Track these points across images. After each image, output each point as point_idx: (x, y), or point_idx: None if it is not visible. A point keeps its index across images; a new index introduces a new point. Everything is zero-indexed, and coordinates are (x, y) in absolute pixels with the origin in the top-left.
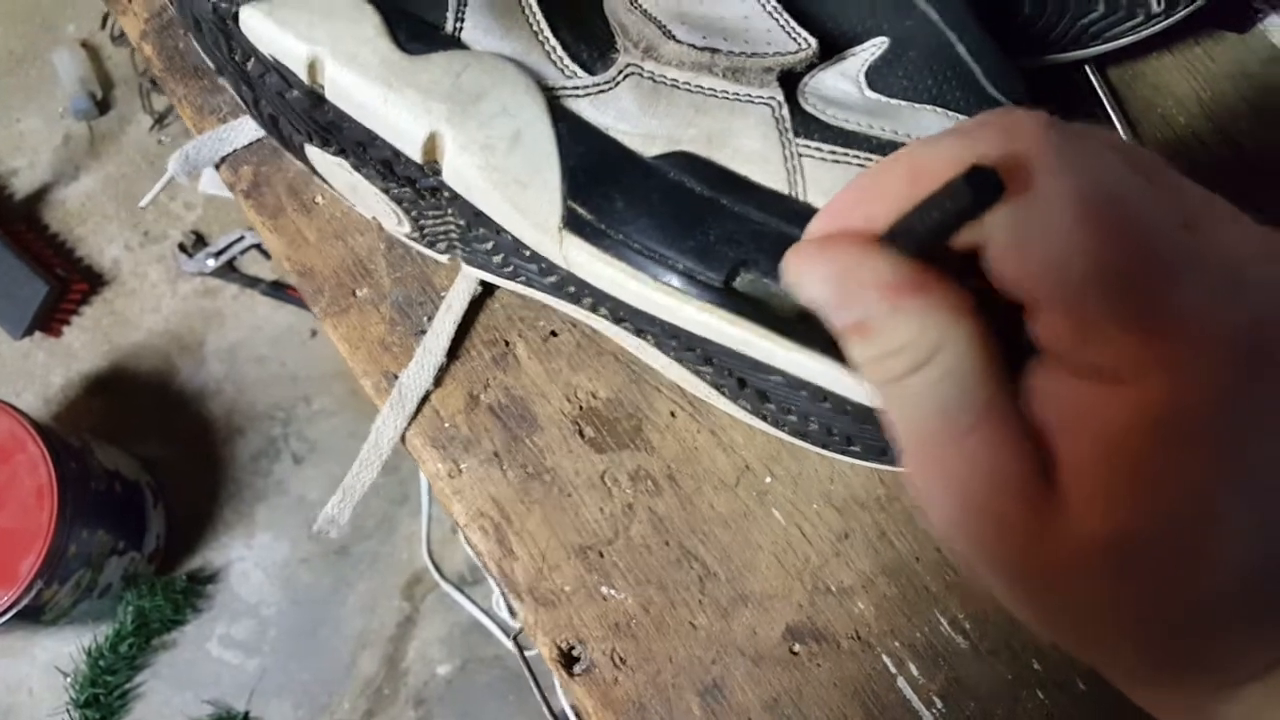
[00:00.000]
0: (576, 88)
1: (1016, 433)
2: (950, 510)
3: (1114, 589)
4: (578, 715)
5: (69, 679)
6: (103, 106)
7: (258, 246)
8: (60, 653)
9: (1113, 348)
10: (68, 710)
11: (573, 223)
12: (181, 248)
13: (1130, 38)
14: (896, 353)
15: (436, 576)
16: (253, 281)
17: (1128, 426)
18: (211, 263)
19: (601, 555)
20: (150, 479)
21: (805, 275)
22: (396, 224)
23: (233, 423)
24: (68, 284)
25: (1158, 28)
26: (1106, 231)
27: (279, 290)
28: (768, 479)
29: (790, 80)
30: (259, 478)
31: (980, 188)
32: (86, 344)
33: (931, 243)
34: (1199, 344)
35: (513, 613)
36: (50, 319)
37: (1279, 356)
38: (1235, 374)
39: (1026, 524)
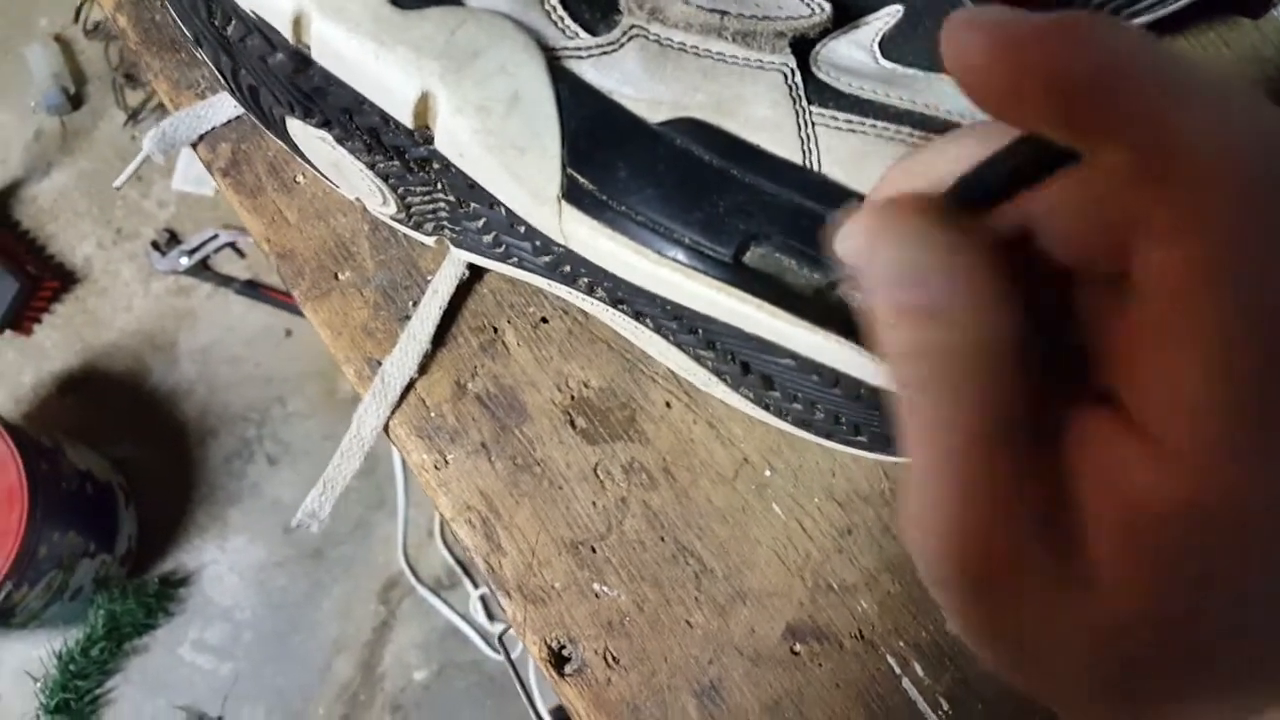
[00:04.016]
0: (578, 49)
1: (1049, 464)
2: (946, 531)
3: (1122, 656)
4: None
5: (39, 684)
6: (75, 101)
7: (232, 245)
8: (30, 657)
9: (1208, 452)
10: (38, 715)
11: (573, 193)
12: (155, 246)
13: (1146, 17)
14: (949, 349)
15: (413, 580)
16: (227, 280)
17: (1182, 517)
18: (185, 261)
19: (594, 551)
20: (122, 480)
21: (855, 244)
22: (381, 203)
23: (206, 424)
24: (39, 281)
25: (1173, 8)
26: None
27: (253, 289)
28: (767, 472)
29: (803, 47)
30: (233, 480)
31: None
32: (58, 343)
33: (1005, 196)
34: None
35: (490, 616)
36: (21, 317)
37: None
38: None
39: (1033, 568)
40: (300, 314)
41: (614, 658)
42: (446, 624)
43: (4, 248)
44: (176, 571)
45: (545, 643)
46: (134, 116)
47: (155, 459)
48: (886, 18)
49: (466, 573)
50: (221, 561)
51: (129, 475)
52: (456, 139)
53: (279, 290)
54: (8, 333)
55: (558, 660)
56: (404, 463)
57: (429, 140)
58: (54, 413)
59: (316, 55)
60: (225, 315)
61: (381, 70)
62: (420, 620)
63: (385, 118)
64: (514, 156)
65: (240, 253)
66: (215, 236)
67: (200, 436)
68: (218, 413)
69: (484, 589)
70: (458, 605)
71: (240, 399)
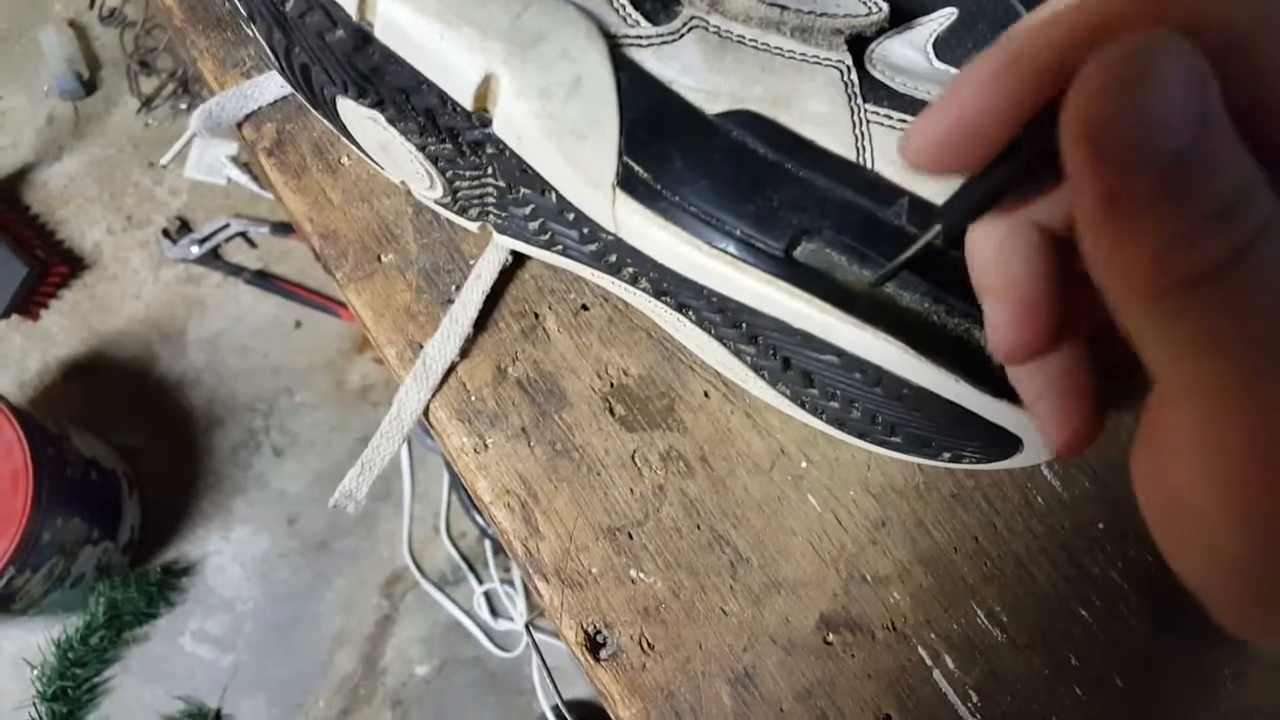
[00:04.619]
0: (639, 37)
1: None
2: None
3: None
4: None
5: (36, 671)
6: (89, 87)
7: (243, 234)
8: (28, 643)
9: None
10: (34, 703)
11: (628, 181)
12: (165, 233)
13: None
14: (1236, 217)
15: (417, 575)
16: (237, 270)
17: None
18: (195, 250)
19: (631, 537)
20: (127, 468)
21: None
22: (428, 187)
23: (213, 413)
24: (47, 266)
25: None
26: None
27: (263, 279)
28: (803, 464)
29: (858, 45)
30: (238, 470)
31: None
32: (65, 328)
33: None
34: None
35: (494, 613)
36: (28, 302)
37: None
38: None
39: None
40: (309, 305)
41: (649, 644)
42: (449, 619)
43: (13, 232)
44: (179, 561)
45: (581, 627)
46: (148, 103)
47: (161, 447)
48: (941, 19)
49: (471, 568)
50: (225, 552)
51: (134, 463)
52: (516, 122)
53: (289, 281)
54: (14, 317)
55: (593, 645)
56: (411, 457)
57: (486, 123)
58: (60, 399)
59: (379, 33)
60: (235, 305)
61: (446, 50)
62: (423, 615)
63: (443, 99)
64: (573, 142)
65: (251, 243)
66: (226, 226)
67: (207, 426)
68: (225, 402)
69: (488, 585)
70: (461, 601)
71: (248, 389)
